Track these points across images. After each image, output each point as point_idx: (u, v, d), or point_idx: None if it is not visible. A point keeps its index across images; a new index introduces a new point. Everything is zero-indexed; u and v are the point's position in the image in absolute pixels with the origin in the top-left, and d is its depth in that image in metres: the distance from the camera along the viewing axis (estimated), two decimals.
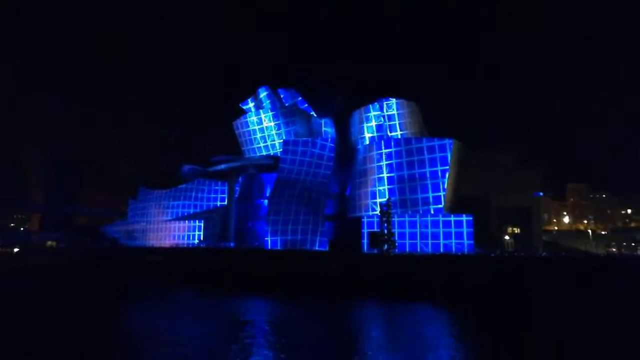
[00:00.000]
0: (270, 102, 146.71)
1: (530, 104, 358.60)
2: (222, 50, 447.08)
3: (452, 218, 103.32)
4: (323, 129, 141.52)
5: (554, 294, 75.24)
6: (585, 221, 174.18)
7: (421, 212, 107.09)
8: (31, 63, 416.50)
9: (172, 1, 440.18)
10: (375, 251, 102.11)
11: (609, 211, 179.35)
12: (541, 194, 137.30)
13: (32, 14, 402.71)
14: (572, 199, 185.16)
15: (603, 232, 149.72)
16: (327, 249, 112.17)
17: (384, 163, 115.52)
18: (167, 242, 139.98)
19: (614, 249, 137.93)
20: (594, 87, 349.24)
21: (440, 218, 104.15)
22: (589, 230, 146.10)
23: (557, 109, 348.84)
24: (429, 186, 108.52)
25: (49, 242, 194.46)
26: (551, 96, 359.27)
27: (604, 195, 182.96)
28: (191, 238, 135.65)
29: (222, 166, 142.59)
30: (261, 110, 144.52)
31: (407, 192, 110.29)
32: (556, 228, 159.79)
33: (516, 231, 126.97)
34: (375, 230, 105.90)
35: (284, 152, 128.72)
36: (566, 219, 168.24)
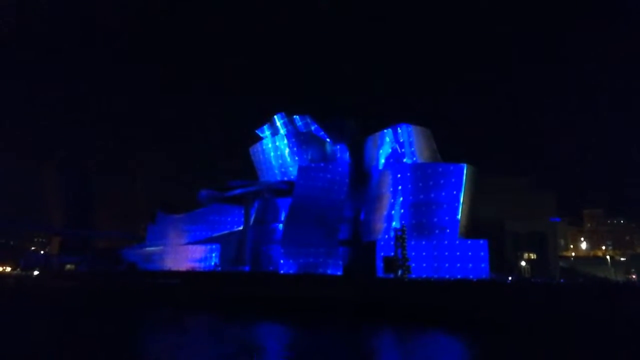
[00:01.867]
0: (286, 129, 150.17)
1: (544, 127, 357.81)
2: (239, 76, 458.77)
3: (468, 245, 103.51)
4: (337, 154, 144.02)
5: (573, 320, 74.33)
6: (604, 247, 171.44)
7: (436, 237, 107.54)
8: (48, 87, 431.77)
9: (186, 30, 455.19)
10: (390, 276, 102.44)
11: (627, 237, 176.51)
12: (558, 219, 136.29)
13: (56, 35, 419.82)
14: (589, 225, 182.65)
15: (622, 259, 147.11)
16: (341, 273, 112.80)
17: (398, 188, 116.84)
18: (183, 266, 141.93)
19: (633, 276, 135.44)
20: (609, 112, 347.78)
21: (456, 243, 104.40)
22: (608, 257, 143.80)
23: (571, 133, 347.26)
24: (444, 211, 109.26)
25: (68, 266, 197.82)
26: (565, 120, 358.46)
27: (621, 221, 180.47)
28: (207, 262, 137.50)
29: (238, 191, 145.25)
30: (277, 137, 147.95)
31: (422, 217, 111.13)
32: (573, 254, 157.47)
33: (532, 257, 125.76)
34: (390, 255, 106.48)
35: (299, 177, 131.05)
36: (584, 245, 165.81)
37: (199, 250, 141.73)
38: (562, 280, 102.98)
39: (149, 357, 53.52)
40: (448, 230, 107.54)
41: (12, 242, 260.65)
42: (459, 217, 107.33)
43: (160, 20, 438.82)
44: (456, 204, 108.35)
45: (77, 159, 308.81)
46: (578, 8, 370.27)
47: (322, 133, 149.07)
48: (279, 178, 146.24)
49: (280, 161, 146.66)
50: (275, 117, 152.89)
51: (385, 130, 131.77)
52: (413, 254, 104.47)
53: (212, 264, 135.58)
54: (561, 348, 60.17)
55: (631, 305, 76.23)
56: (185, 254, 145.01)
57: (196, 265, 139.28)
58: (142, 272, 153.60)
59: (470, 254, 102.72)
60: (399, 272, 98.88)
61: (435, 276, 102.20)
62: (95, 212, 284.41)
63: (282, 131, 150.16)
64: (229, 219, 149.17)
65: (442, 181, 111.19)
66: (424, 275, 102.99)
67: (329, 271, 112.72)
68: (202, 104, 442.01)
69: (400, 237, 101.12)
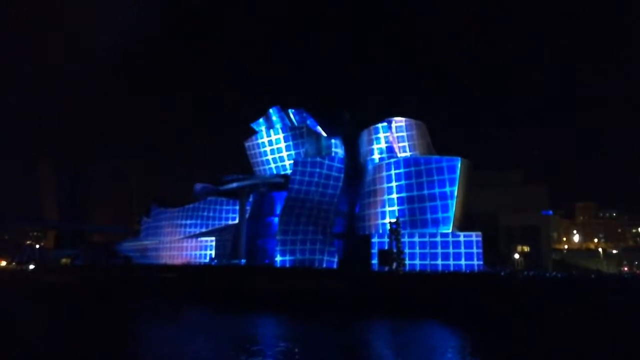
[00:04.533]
0: (281, 122, 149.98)
1: (536, 120, 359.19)
2: (234, 70, 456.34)
3: (462, 238, 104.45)
4: (332, 148, 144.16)
5: (565, 313, 75.40)
6: (596, 240, 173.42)
7: (430, 230, 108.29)
8: (46, 84, 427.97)
9: (182, 26, 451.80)
10: (385, 269, 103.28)
11: (619, 230, 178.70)
12: (551, 212, 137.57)
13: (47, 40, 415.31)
14: (581, 218, 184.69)
15: (614, 251, 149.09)
16: (337, 266, 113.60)
17: (393, 184, 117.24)
18: (179, 260, 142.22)
19: (625, 268, 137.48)
20: (599, 104, 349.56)
21: (450, 238, 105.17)
22: (600, 249, 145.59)
23: (563, 126, 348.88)
24: (439, 207, 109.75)
25: (64, 260, 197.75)
26: (559, 115, 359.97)
27: (614, 214, 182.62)
28: (203, 256, 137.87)
29: (234, 185, 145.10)
30: (272, 130, 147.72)
31: (417, 212, 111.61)
32: (566, 247, 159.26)
33: (525, 250, 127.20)
34: (385, 248, 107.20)
35: (294, 171, 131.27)
36: (576, 238, 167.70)
37: (194, 244, 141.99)
38: (554, 273, 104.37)
39: (144, 350, 53.90)
40: (442, 224, 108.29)
41: (6, 237, 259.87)
42: (453, 210, 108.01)
43: (158, 16, 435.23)
44: (450, 198, 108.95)
45: (73, 153, 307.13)
46: (576, 11, 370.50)
47: (317, 127, 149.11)
48: (274, 172, 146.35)
49: (275, 155, 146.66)
50: (270, 110, 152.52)
51: (380, 124, 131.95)
52: (408, 247, 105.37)
53: (208, 258, 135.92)
54: (554, 339, 61.13)
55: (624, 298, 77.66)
56: (180, 248, 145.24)
57: (192, 259, 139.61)
58: (137, 266, 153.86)
59: (464, 247, 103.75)
60: (394, 265, 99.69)
61: (430, 269, 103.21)
62: (90, 206, 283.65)
63: (277, 125, 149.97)
64: (224, 213, 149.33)
65: (436, 175, 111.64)
66: (419, 269, 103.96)
67: (324, 264, 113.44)
68: (198, 97, 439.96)
69: (395, 231, 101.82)
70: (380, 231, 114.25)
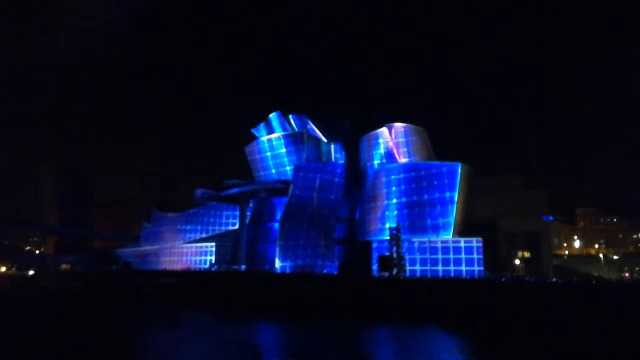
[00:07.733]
0: (282, 128, 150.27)
1: (535, 127, 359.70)
2: (235, 76, 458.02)
3: (462, 244, 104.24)
4: (333, 154, 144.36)
5: (566, 319, 75.03)
6: (597, 245, 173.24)
7: (431, 236, 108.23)
8: (48, 89, 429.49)
9: (186, 30, 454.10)
10: (385, 275, 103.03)
11: (620, 235, 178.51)
12: (551, 218, 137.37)
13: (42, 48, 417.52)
14: (582, 223, 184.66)
15: (615, 257, 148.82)
16: (337, 272, 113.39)
17: (393, 189, 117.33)
18: (179, 266, 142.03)
19: (626, 274, 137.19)
20: (600, 110, 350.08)
21: (451, 244, 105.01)
22: (601, 255, 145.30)
23: (563, 132, 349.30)
24: (439, 211, 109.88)
25: (64, 265, 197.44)
26: (557, 119, 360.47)
27: (614, 220, 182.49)
28: (203, 261, 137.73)
29: (234, 190, 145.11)
30: (272, 136, 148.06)
31: (417, 216, 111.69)
32: (567, 252, 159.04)
33: (526, 255, 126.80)
34: (385, 254, 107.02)
35: (295, 176, 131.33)
36: (577, 244, 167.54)
37: (194, 250, 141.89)
38: (555, 279, 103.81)
39: (143, 356, 53.72)
40: (443, 230, 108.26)
41: (6, 242, 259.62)
42: (453, 216, 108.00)
43: (159, 18, 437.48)
44: (451, 204, 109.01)
45: (73, 159, 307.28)
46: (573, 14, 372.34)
47: (317, 132, 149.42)
48: (275, 177, 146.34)
49: (276, 160, 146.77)
50: (271, 116, 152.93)
51: (380, 130, 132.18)
52: (408, 253, 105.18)
53: (208, 263, 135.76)
54: (553, 343, 60.91)
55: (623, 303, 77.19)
56: (180, 254, 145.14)
57: (192, 264, 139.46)
58: (137, 272, 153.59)
59: (464, 253, 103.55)
60: (394, 271, 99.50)
61: (431, 275, 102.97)
62: (90, 211, 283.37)
63: (278, 130, 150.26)
64: (224, 219, 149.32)
65: (436, 181, 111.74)
66: (419, 274, 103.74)
67: (324, 270, 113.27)
68: (199, 103, 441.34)
69: (395, 237, 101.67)
70: (381, 237, 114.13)
